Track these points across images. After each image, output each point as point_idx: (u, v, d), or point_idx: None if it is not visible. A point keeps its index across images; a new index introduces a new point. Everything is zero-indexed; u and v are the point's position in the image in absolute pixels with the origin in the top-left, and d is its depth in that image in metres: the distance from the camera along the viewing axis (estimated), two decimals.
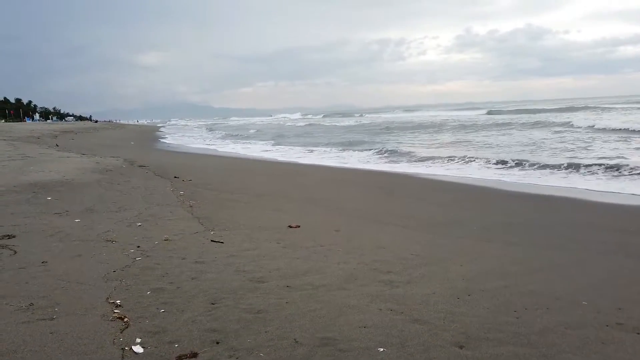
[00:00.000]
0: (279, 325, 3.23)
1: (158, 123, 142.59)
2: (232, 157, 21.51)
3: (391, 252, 5.23)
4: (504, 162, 15.09)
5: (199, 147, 30.44)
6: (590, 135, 23.42)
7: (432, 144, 24.89)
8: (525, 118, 41.38)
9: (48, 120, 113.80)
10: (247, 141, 35.54)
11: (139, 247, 5.02)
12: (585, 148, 18.58)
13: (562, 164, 13.78)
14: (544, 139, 23.39)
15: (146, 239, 5.34)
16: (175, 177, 10.88)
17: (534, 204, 9.31)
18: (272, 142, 32.63)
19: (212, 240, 5.45)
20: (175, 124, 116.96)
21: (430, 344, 3.02)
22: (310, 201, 9.13)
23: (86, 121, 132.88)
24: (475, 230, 6.84)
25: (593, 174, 12.45)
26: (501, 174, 13.44)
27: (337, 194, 10.44)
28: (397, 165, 17.01)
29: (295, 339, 3.04)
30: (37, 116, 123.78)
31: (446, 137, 29.48)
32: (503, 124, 35.88)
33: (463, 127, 37.07)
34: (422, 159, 17.75)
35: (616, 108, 49.72)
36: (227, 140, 38.05)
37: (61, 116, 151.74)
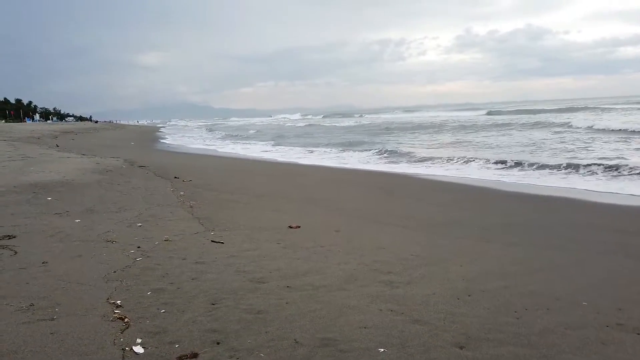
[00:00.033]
0: (280, 326, 3.23)
1: (158, 123, 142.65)
2: (232, 158, 21.51)
3: (391, 253, 5.23)
4: (503, 163, 15.10)
5: (199, 147, 30.45)
6: (589, 136, 23.43)
7: (432, 145, 24.89)
8: (525, 118, 41.40)
9: (48, 121, 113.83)
10: (247, 142, 35.54)
11: (139, 247, 5.02)
12: (585, 148, 18.58)
13: (562, 164, 13.79)
14: (544, 139, 23.39)
15: (146, 240, 5.34)
16: (175, 177, 10.88)
17: (534, 204, 9.32)
18: (272, 142, 32.64)
19: (212, 241, 5.45)
20: (175, 125, 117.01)
21: (430, 344, 3.02)
22: (310, 201, 9.13)
23: (86, 122, 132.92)
24: (475, 230, 6.84)
25: (592, 174, 12.46)
26: (501, 175, 13.44)
27: (337, 194, 10.45)
28: (397, 165, 17.01)
29: (295, 340, 3.04)
30: (37, 117, 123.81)
31: (446, 137, 29.49)
32: (503, 125, 35.91)
33: (463, 127, 37.08)
34: (422, 160, 17.75)
35: (616, 108, 49.76)
36: (227, 141, 38.05)
37: (61, 117, 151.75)
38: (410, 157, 18.69)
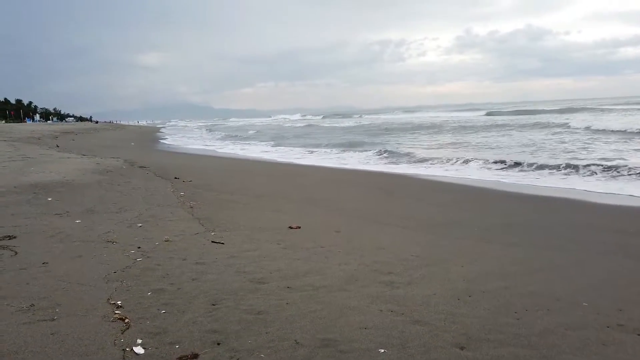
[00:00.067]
0: (280, 326, 3.23)
1: (158, 124, 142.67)
2: (232, 158, 21.52)
3: (391, 253, 5.23)
4: (503, 163, 15.11)
5: (199, 148, 30.45)
6: (589, 137, 23.45)
7: (432, 145, 24.90)
8: (524, 119, 41.44)
9: (48, 121, 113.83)
10: (247, 142, 35.55)
11: (139, 248, 5.02)
12: (584, 149, 18.60)
13: (561, 165, 13.81)
14: (543, 140, 23.41)
15: (147, 240, 5.34)
16: (175, 178, 10.88)
17: (534, 204, 9.32)
18: (272, 143, 32.65)
19: (212, 241, 5.45)
20: (175, 125, 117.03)
21: (431, 345, 3.02)
22: (310, 202, 9.14)
23: (86, 122, 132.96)
24: (475, 231, 6.85)
25: (592, 175, 12.47)
26: (500, 175, 13.45)
27: (337, 194, 10.45)
28: (397, 166, 17.02)
29: (296, 340, 3.04)
30: (37, 117, 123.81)
31: (446, 138, 29.51)
32: (502, 125, 35.93)
33: (462, 128, 37.11)
34: (422, 160, 17.76)
35: (616, 109, 49.80)
36: (226, 141, 38.06)
37: (61, 117, 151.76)
38: (410, 158, 18.70)
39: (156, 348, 2.90)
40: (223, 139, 42.91)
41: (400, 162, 17.87)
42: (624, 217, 8.04)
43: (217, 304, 3.59)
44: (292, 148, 27.38)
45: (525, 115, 51.68)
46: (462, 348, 2.99)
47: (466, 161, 16.29)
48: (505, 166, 14.75)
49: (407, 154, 19.61)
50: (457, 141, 26.04)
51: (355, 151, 22.97)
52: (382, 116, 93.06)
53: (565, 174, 12.83)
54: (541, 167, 13.97)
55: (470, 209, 8.73)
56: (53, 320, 3.21)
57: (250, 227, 6.36)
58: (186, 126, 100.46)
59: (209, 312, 3.44)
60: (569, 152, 17.98)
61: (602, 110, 50.43)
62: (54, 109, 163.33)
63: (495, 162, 15.35)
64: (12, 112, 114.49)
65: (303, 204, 8.95)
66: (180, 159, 19.95)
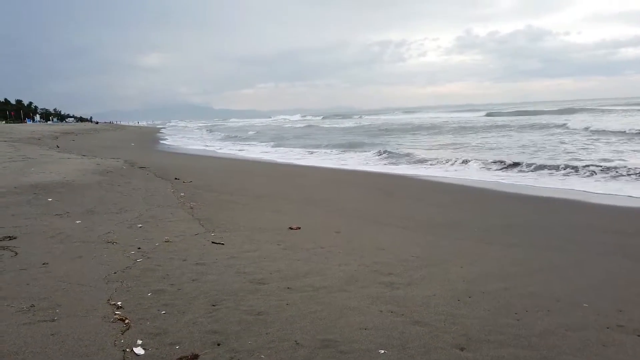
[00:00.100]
0: (280, 327, 3.24)
1: (158, 124, 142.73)
2: (232, 159, 21.53)
3: (391, 254, 5.24)
4: (502, 164, 15.12)
5: (199, 148, 30.46)
6: (589, 137, 23.47)
7: (432, 146, 24.92)
8: (524, 120, 41.47)
9: (48, 122, 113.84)
10: (247, 143, 35.56)
11: (139, 248, 5.02)
12: (584, 149, 18.62)
13: (560, 166, 13.82)
14: (543, 141, 23.43)
15: (147, 241, 5.35)
16: (175, 178, 10.89)
17: (534, 205, 9.33)
18: (272, 143, 32.67)
19: (212, 242, 5.46)
20: (175, 126, 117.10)
21: (431, 346, 3.02)
22: (310, 202, 9.14)
23: (87, 122, 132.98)
24: (475, 231, 6.85)
25: (591, 175, 12.48)
26: (500, 176, 13.46)
27: (337, 195, 10.45)
28: (397, 166, 17.03)
29: (296, 341, 3.04)
30: (37, 117, 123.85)
31: (445, 138, 29.53)
32: (502, 126, 35.96)
33: (462, 128, 37.15)
34: (422, 161, 17.77)
35: (617, 110, 49.82)
36: (226, 142, 38.08)
37: (62, 117, 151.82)
38: (410, 158, 18.71)
39: (156, 349, 2.90)
40: (223, 139, 42.92)
41: (400, 163, 17.87)
42: (623, 217, 8.05)
43: (217, 304, 3.59)
44: (292, 149, 27.39)
45: (525, 116, 51.74)
46: (462, 349, 2.99)
47: (466, 162, 16.30)
48: (504, 167, 14.77)
49: (407, 155, 19.62)
50: (457, 142, 26.06)
51: (355, 152, 22.98)
52: (382, 117, 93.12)
53: (565, 175, 12.85)
54: (541, 167, 13.98)
55: (470, 210, 8.74)
56: (53, 320, 3.21)
57: (250, 227, 6.37)
58: (186, 127, 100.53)
59: (209, 312, 3.44)
60: (568, 152, 18.00)
61: (602, 111, 50.49)
62: (54, 110, 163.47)
63: (495, 163, 15.36)
64: (12, 113, 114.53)
65: (303, 204, 8.95)
66: (181, 159, 19.96)
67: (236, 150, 28.39)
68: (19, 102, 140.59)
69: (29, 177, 9.92)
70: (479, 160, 16.28)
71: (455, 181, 12.72)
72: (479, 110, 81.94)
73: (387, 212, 8.49)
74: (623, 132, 23.83)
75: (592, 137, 23.21)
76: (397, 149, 22.50)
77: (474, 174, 13.97)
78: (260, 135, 45.52)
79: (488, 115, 63.20)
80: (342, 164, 18.34)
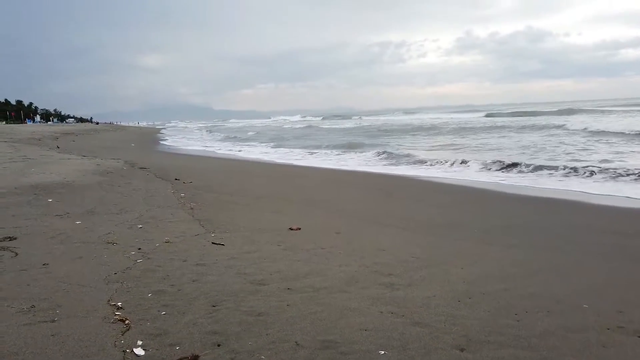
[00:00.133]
0: (280, 328, 3.24)
1: (158, 125, 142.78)
2: (232, 159, 21.54)
3: (391, 255, 5.24)
4: (502, 165, 15.13)
5: (199, 149, 30.47)
6: (588, 138, 23.48)
7: (432, 147, 24.93)
8: (524, 121, 41.50)
9: (49, 122, 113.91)
10: (247, 143, 35.58)
11: (140, 249, 5.02)
12: (583, 150, 18.65)
13: (560, 166, 13.83)
14: (543, 141, 23.45)
15: (147, 241, 5.35)
16: (176, 179, 10.89)
17: (533, 206, 9.33)
18: (272, 144, 32.68)
19: (212, 243, 5.46)
20: (174, 126, 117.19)
21: (431, 347, 3.02)
22: (310, 203, 9.14)
23: (87, 123, 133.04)
24: (475, 232, 6.85)
25: (590, 176, 12.50)
26: (499, 176, 13.46)
27: (337, 195, 10.45)
28: (397, 167, 17.04)
29: (296, 342, 3.04)
30: (37, 118, 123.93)
31: (445, 139, 29.54)
32: (502, 127, 35.99)
33: (462, 129, 37.16)
34: (421, 161, 17.77)
35: (616, 111, 49.86)
36: (226, 143, 38.10)
37: (62, 118, 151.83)
38: (409, 159, 18.72)
39: (156, 349, 2.90)
40: (223, 140, 42.96)
41: (400, 164, 17.88)
42: (623, 218, 8.05)
43: (218, 305, 3.59)
44: (292, 149, 27.40)
45: (524, 116, 51.77)
46: (462, 350, 2.99)
47: (466, 162, 16.31)
48: (504, 168, 14.77)
49: (407, 155, 19.64)
50: (457, 142, 26.09)
51: (355, 152, 22.99)
52: (382, 117, 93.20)
53: (564, 176, 12.86)
54: (540, 168, 13.99)
55: (470, 211, 8.74)
56: (53, 321, 3.21)
57: (250, 228, 6.37)
58: (186, 127, 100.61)
59: (210, 313, 3.44)
60: (568, 153, 18.02)
61: (602, 111, 50.52)
62: (55, 110, 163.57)
63: (495, 164, 15.37)
64: (12, 113, 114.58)
65: (303, 205, 8.95)
66: (181, 160, 19.96)
67: (236, 150, 28.41)
68: (19, 102, 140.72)
69: (29, 177, 9.92)
70: (478, 161, 16.30)
71: (455, 182, 12.73)
72: (478, 111, 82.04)
73: (387, 212, 8.50)
74: (623, 133, 23.84)
75: (593, 138, 23.22)
76: (397, 149, 22.52)
77: (474, 175, 13.98)
78: (260, 136, 45.55)
79: (488, 116, 63.25)
80: (342, 165, 18.36)
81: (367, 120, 79.23)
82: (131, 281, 4.04)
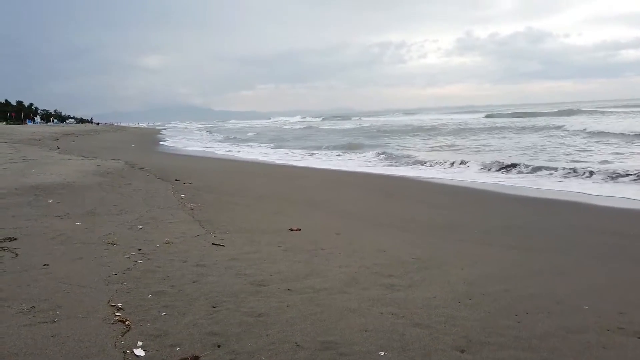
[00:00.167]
0: (280, 329, 3.23)
1: (158, 125, 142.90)
2: (232, 160, 21.55)
3: (392, 256, 5.24)
4: (502, 165, 15.14)
5: (199, 149, 30.48)
6: (587, 139, 23.49)
7: (432, 147, 24.94)
8: (524, 121, 41.52)
9: (49, 123, 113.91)
10: (247, 144, 35.61)
11: (140, 250, 5.02)
12: (583, 151, 18.66)
13: (559, 167, 13.85)
14: (542, 142, 23.46)
15: (147, 242, 5.35)
16: (176, 179, 10.89)
17: (533, 206, 9.33)
18: (271, 145, 32.70)
19: (213, 244, 5.45)
20: (174, 127, 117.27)
21: (431, 348, 3.02)
22: (310, 204, 9.14)
23: (87, 124, 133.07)
24: (476, 233, 6.85)
25: (589, 177, 12.52)
26: (499, 177, 13.48)
27: (337, 196, 10.45)
28: (397, 168, 17.04)
29: (296, 343, 3.04)
30: (38, 119, 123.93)
31: (445, 140, 29.55)
32: (502, 128, 36.00)
33: (462, 130, 37.18)
34: (421, 162, 17.79)
35: (617, 111, 49.87)
36: (226, 143, 38.12)
37: (62, 119, 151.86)
38: (409, 160, 18.73)
39: (157, 350, 2.90)
40: (223, 140, 43.00)
41: (400, 164, 17.89)
42: (622, 219, 8.05)
43: (218, 306, 3.59)
44: (291, 150, 27.42)
45: (524, 117, 51.78)
46: (462, 351, 2.99)
47: (465, 163, 16.31)
48: (504, 168, 14.78)
49: (407, 156, 19.65)
50: (457, 143, 26.09)
51: (355, 153, 23.00)
52: (382, 118, 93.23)
53: (564, 176, 12.87)
54: (540, 169, 14.00)
55: (470, 211, 8.74)
56: (54, 322, 3.21)
57: (250, 229, 6.37)
58: (186, 128, 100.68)
59: (210, 314, 3.44)
60: (568, 154, 18.03)
61: (602, 112, 50.53)
62: (55, 111, 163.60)
63: (495, 164, 15.38)
64: (13, 114, 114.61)
65: (303, 206, 8.95)
66: (181, 160, 19.96)
67: (236, 151, 28.42)
68: (19, 103, 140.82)
69: (29, 178, 9.92)
70: (478, 161, 16.31)
71: (455, 183, 12.74)
72: (478, 112, 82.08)
73: (388, 213, 8.50)
74: (622, 134, 23.84)
75: (593, 139, 23.22)
76: (397, 150, 22.54)
77: (474, 176, 13.99)
78: (260, 137, 45.57)
79: (488, 116, 63.26)
80: (342, 166, 18.36)
81: (367, 121, 79.27)
82: (131, 282, 4.04)
